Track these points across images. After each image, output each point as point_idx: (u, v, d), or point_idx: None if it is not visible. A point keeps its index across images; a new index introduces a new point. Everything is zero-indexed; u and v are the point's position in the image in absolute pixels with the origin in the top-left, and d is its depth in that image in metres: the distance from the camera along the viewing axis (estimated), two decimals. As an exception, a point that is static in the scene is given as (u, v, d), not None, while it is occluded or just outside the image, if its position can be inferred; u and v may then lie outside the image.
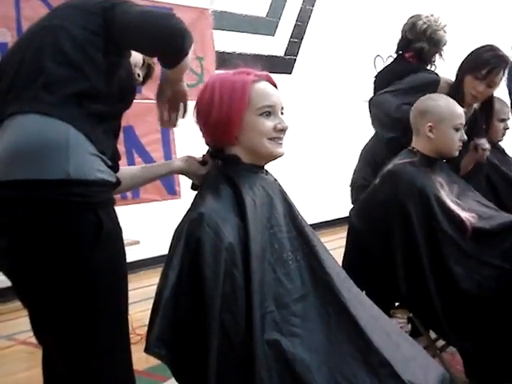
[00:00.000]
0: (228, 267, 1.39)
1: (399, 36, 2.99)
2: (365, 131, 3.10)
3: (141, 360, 1.54)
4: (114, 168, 1.53)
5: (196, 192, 1.59)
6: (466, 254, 2.18)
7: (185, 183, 4.19)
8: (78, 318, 1.41)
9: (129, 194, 3.56)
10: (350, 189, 2.96)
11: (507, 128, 3.12)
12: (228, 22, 5.86)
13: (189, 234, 1.42)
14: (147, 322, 1.43)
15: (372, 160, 2.81)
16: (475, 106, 2.81)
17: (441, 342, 2.48)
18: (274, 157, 1.60)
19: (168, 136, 3.85)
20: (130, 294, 1.55)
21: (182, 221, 1.49)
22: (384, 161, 2.51)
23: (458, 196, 2.36)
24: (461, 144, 2.32)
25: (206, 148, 1.73)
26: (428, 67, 2.93)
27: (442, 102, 2.31)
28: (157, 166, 1.91)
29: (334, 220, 6.44)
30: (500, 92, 2.91)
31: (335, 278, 1.54)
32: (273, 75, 1.65)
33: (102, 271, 1.42)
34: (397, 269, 2.18)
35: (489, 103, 2.80)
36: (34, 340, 1.61)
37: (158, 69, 1.73)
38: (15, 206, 1.35)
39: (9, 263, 1.44)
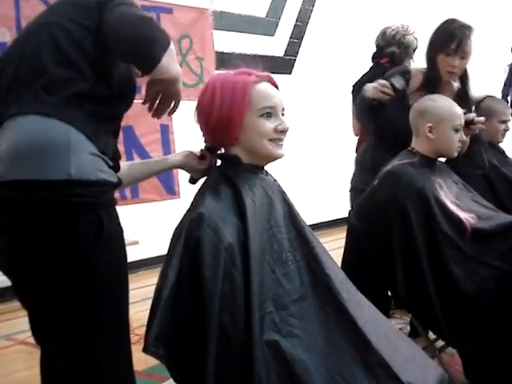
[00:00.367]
0: (227, 268, 1.39)
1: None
2: (364, 132, 3.10)
3: (140, 360, 1.54)
4: (115, 168, 1.53)
5: (196, 192, 1.58)
6: (466, 255, 2.18)
7: (184, 183, 4.18)
8: (79, 317, 1.41)
9: (128, 194, 3.56)
10: (349, 194, 2.95)
11: (507, 129, 3.13)
12: (228, 22, 5.86)
13: (188, 234, 1.42)
14: (146, 322, 1.43)
15: (369, 163, 2.81)
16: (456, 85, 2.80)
17: (440, 343, 2.48)
18: (274, 158, 1.59)
19: (167, 136, 3.84)
20: (129, 294, 1.54)
21: (182, 221, 1.49)
22: (381, 162, 2.53)
23: (457, 196, 2.36)
24: (460, 145, 2.32)
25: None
26: None
27: (442, 103, 2.31)
28: (155, 162, 1.90)
29: (333, 221, 6.44)
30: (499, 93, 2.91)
31: (334, 279, 1.54)
32: (272, 75, 1.65)
33: (103, 271, 1.41)
34: (396, 269, 2.18)
35: (464, 76, 2.78)
36: (33, 340, 1.61)
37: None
38: (16, 207, 1.35)
39: (9, 263, 1.44)
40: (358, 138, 3.80)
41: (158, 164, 1.85)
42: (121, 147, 1.62)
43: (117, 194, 1.58)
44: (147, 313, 1.45)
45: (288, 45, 6.80)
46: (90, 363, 1.45)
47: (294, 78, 6.65)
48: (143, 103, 1.61)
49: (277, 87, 1.62)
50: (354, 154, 3.30)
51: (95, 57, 1.46)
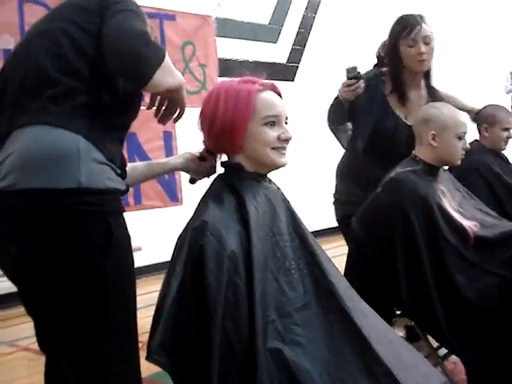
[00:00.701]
0: (231, 275, 1.39)
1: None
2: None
3: (143, 367, 1.54)
4: (123, 175, 1.54)
5: (199, 200, 1.58)
6: (469, 263, 2.17)
7: (187, 190, 4.19)
8: (88, 323, 1.42)
9: (131, 201, 3.56)
10: (333, 206, 2.91)
11: (510, 137, 3.12)
12: (231, 29, 5.88)
13: (192, 241, 1.42)
14: (149, 329, 1.43)
15: (350, 173, 2.79)
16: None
17: (443, 351, 2.47)
18: (277, 167, 1.60)
19: (170, 143, 3.85)
20: (133, 300, 1.55)
21: (185, 229, 1.49)
22: (362, 170, 2.59)
23: (460, 204, 2.36)
24: (464, 152, 2.32)
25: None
26: None
27: (445, 111, 2.31)
28: (157, 164, 1.90)
29: (335, 227, 6.43)
30: (500, 99, 2.91)
31: (338, 287, 1.54)
32: (275, 82, 1.65)
33: (111, 277, 1.42)
34: (399, 276, 2.17)
35: (427, 73, 2.75)
36: (35, 346, 1.62)
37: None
38: (27, 215, 1.36)
39: (19, 271, 1.45)
40: None
41: (159, 166, 1.86)
42: (124, 154, 1.63)
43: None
44: (150, 319, 1.45)
45: (291, 52, 6.82)
46: (99, 369, 1.45)
47: (297, 84, 6.67)
48: (147, 108, 1.62)
49: (280, 96, 1.62)
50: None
51: (98, 66, 1.46)
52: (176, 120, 1.65)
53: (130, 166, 1.77)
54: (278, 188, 1.67)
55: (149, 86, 1.44)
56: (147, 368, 1.50)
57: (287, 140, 1.57)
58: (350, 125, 2.95)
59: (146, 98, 1.66)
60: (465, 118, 2.33)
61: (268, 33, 6.54)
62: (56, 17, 1.55)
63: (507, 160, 3.19)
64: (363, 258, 2.36)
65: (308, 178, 6.36)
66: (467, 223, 2.24)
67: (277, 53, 6.64)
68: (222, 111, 1.55)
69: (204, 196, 1.58)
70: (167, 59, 1.45)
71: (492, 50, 8.31)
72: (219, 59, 4.44)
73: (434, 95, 2.69)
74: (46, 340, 1.59)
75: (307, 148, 6.17)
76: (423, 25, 2.57)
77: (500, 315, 2.11)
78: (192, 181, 1.81)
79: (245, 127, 1.54)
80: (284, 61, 6.74)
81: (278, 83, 1.65)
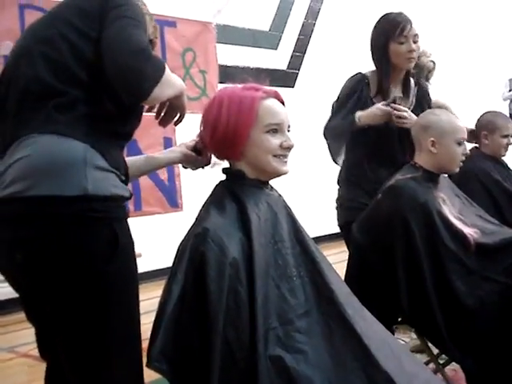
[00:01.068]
0: (232, 282, 1.39)
1: None
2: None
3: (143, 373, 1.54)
4: (126, 182, 1.55)
5: (201, 207, 1.58)
6: (469, 270, 2.17)
7: (187, 196, 4.20)
8: (93, 329, 1.42)
9: (131, 207, 3.57)
10: (336, 212, 2.91)
11: (510, 144, 3.12)
12: (231, 35, 5.89)
13: (193, 248, 1.42)
14: (149, 336, 1.43)
15: (351, 178, 2.78)
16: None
17: (443, 358, 2.47)
18: (278, 174, 1.60)
19: (171, 149, 3.85)
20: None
21: (187, 235, 1.49)
22: (362, 172, 2.62)
23: (460, 211, 2.35)
24: (463, 158, 2.32)
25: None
26: None
27: (444, 117, 2.32)
28: (153, 158, 1.88)
29: (336, 233, 6.42)
30: (500, 106, 2.92)
31: (339, 294, 1.54)
32: (275, 89, 1.66)
33: (116, 283, 1.43)
34: (399, 283, 2.17)
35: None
36: (35, 353, 1.62)
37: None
38: (33, 222, 1.37)
39: (23, 277, 1.45)
40: None
41: (156, 161, 1.86)
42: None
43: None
44: (150, 326, 1.45)
45: (291, 58, 6.83)
46: (102, 374, 1.45)
47: (297, 91, 6.67)
48: (147, 111, 1.65)
49: (283, 103, 1.63)
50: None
51: (100, 73, 1.45)
52: (176, 123, 1.67)
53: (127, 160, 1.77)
54: (280, 195, 1.68)
55: (148, 101, 1.46)
56: (148, 375, 1.50)
57: (289, 148, 1.58)
58: None
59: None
60: (463, 123, 2.33)
61: (268, 39, 6.55)
62: (56, 20, 1.53)
63: (507, 166, 3.19)
64: (363, 264, 2.36)
65: (309, 183, 6.36)
66: (468, 230, 2.24)
67: (277, 59, 6.65)
68: (225, 117, 1.55)
69: (206, 203, 1.58)
70: (167, 72, 1.46)
71: (491, 57, 8.32)
72: (219, 65, 4.45)
73: (408, 94, 2.71)
74: (46, 346, 1.59)
75: (307, 154, 6.17)
76: (411, 23, 2.59)
77: (500, 322, 2.10)
78: (185, 167, 1.84)
79: (247, 134, 1.54)
80: (284, 67, 6.74)
81: (278, 89, 1.66)
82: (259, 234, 1.48)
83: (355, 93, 2.66)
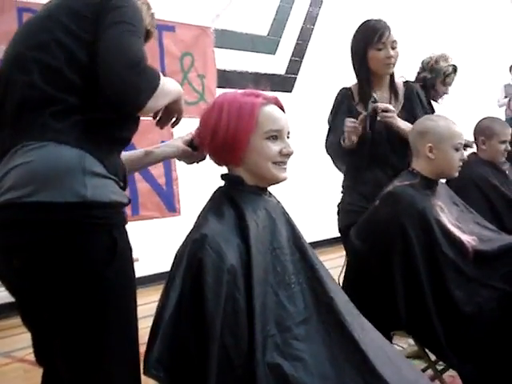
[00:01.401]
0: (230, 289, 1.38)
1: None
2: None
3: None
4: (124, 188, 1.55)
5: (199, 213, 1.58)
6: (467, 277, 2.17)
7: (185, 201, 4.19)
8: (91, 334, 1.42)
9: (128, 211, 3.55)
10: (337, 217, 2.92)
11: (508, 149, 3.13)
12: (229, 40, 5.89)
13: (191, 255, 1.42)
14: (146, 340, 1.43)
15: (353, 184, 2.80)
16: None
17: (441, 364, 2.46)
18: (277, 181, 1.60)
19: (168, 153, 3.84)
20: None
21: (185, 241, 1.49)
22: (362, 175, 2.64)
23: (458, 219, 2.35)
24: (461, 164, 2.32)
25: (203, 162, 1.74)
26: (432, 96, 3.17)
27: (441, 123, 2.32)
28: (148, 153, 1.87)
29: (334, 238, 6.42)
30: (496, 112, 2.92)
31: (338, 302, 1.54)
32: (273, 93, 1.65)
33: (115, 288, 1.43)
34: (396, 290, 2.17)
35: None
36: (31, 358, 1.61)
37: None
38: (32, 228, 1.36)
39: (21, 284, 1.45)
40: None
41: (152, 156, 1.85)
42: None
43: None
44: (147, 330, 1.44)
45: (289, 63, 6.83)
46: (100, 379, 1.45)
47: (295, 96, 6.67)
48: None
49: (283, 109, 1.63)
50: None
51: (97, 79, 1.45)
52: (173, 125, 1.68)
53: (122, 155, 1.76)
54: (278, 201, 1.67)
55: (142, 112, 1.47)
56: (144, 382, 1.50)
57: (289, 155, 1.58)
58: None
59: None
60: (461, 129, 2.33)
61: (266, 44, 6.56)
62: (49, 23, 1.50)
63: (505, 172, 3.19)
64: (361, 270, 2.36)
65: (307, 188, 6.35)
66: (465, 237, 2.24)
67: (275, 64, 6.65)
68: (224, 123, 1.54)
69: (204, 209, 1.58)
70: (162, 82, 1.46)
71: (487, 62, 8.34)
72: (218, 70, 4.44)
73: (397, 96, 2.73)
74: (43, 352, 1.58)
75: (305, 159, 6.17)
76: (390, 29, 2.62)
77: (499, 329, 2.10)
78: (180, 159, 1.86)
79: (247, 140, 1.54)
80: (282, 72, 6.74)
81: (276, 94, 1.66)
82: (257, 240, 1.47)
83: (342, 105, 2.72)
